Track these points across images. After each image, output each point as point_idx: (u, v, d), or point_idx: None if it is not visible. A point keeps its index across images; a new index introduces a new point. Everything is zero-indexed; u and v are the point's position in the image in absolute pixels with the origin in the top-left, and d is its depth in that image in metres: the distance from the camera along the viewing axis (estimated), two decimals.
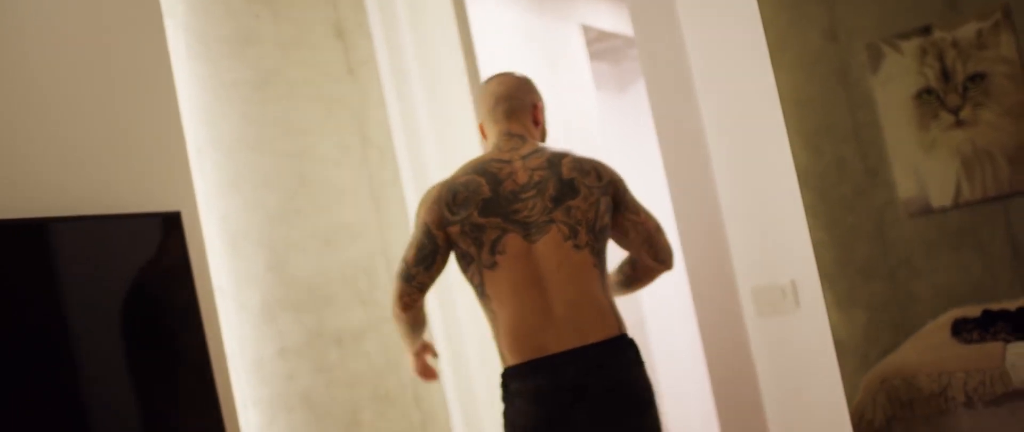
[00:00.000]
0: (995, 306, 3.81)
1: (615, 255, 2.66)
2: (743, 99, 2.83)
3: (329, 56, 3.64)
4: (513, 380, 2.45)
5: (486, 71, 4.22)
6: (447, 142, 3.69)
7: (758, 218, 2.81)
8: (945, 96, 4.27)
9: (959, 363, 3.41)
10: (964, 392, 3.34)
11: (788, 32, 4.51)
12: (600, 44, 5.50)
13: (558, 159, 2.53)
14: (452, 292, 3.62)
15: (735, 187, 2.83)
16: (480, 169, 2.52)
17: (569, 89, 4.78)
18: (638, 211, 2.61)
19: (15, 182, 2.30)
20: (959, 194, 4.26)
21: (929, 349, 3.75)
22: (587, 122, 4.83)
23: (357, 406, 3.34)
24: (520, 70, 2.79)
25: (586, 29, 5.09)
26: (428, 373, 2.76)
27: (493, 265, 2.45)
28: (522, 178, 2.50)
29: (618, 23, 5.31)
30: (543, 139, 2.70)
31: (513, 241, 2.45)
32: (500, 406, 2.52)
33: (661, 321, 5.49)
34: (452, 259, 2.54)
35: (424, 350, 2.74)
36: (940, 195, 4.31)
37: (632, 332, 2.67)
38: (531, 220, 2.46)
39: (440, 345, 3.65)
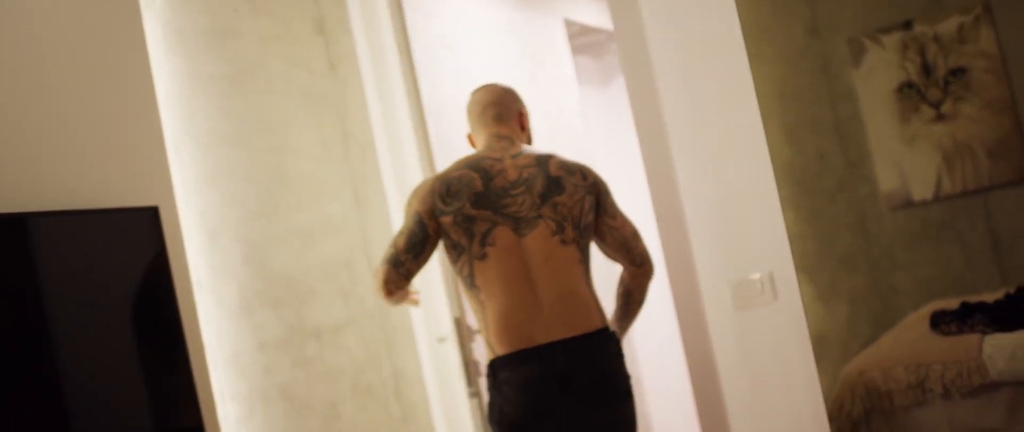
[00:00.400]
0: (973, 298, 3.83)
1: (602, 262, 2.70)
2: (721, 94, 2.85)
3: (309, 51, 3.63)
4: (502, 369, 2.53)
5: (468, 65, 4.23)
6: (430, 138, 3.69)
7: (735, 211, 2.83)
8: (926, 90, 4.29)
9: (937, 355, 3.44)
10: (942, 384, 3.36)
11: (770, 26, 4.52)
12: (583, 38, 5.51)
13: (545, 159, 2.64)
14: (433, 286, 3.63)
15: (712, 181, 2.85)
16: (473, 165, 2.62)
17: (552, 83, 4.78)
18: (616, 216, 2.71)
19: None
20: (940, 187, 4.29)
21: (907, 341, 3.78)
22: (570, 116, 4.84)
23: (337, 400, 3.35)
24: (503, 77, 2.85)
25: (569, 23, 5.10)
26: (412, 301, 2.82)
27: (483, 256, 2.53)
28: (512, 175, 2.60)
29: (600, 17, 5.32)
30: (528, 145, 2.80)
31: (503, 234, 2.54)
32: (486, 396, 2.61)
33: (642, 315, 5.50)
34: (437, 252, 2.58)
35: (406, 300, 2.79)
36: (921, 188, 4.33)
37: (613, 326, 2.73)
38: (520, 215, 2.56)
39: (420, 336, 3.66)
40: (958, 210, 4.27)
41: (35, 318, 2.23)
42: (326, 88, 3.66)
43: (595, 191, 2.67)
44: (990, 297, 3.82)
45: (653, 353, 5.55)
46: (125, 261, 2.50)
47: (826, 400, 3.39)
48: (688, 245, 2.88)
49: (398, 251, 2.56)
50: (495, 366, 2.55)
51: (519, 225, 2.56)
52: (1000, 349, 3.35)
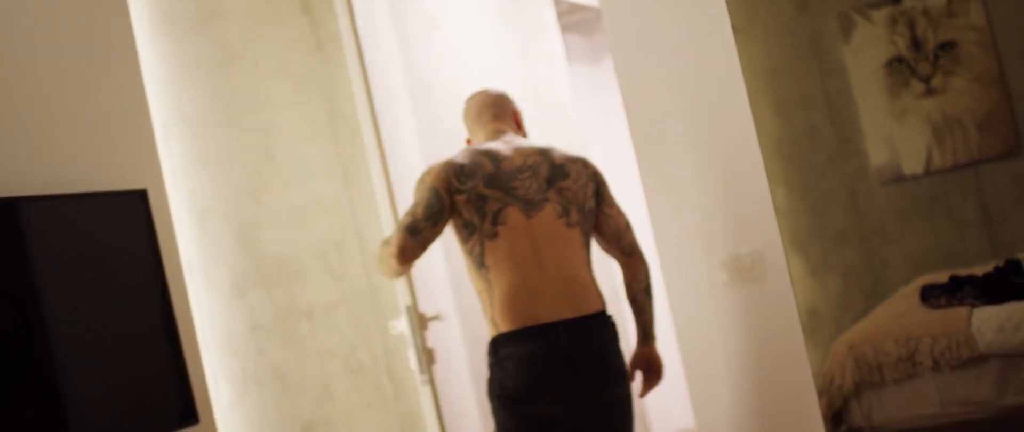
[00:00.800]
0: (964, 271, 3.85)
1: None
2: (709, 70, 2.86)
3: (296, 32, 3.62)
4: (506, 345, 2.58)
5: (456, 43, 4.21)
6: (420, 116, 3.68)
7: (724, 188, 2.84)
8: (916, 64, 4.30)
9: (926, 328, 3.45)
10: (931, 357, 3.38)
11: (758, 3, 4.52)
12: (572, 16, 5.48)
13: (548, 149, 2.74)
14: (433, 267, 3.63)
15: (701, 158, 2.86)
16: (481, 150, 2.70)
17: (541, 61, 4.77)
18: (612, 205, 2.79)
19: None
20: (930, 161, 4.30)
21: (897, 315, 3.79)
22: (559, 94, 4.82)
23: (329, 379, 3.36)
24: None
25: (558, 1, 5.07)
26: None
27: (494, 235, 2.61)
28: (518, 161, 2.68)
29: None
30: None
31: (513, 214, 2.63)
32: (486, 373, 2.64)
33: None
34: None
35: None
36: (912, 162, 4.35)
37: (610, 308, 2.77)
38: (529, 197, 2.65)
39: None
40: (949, 184, 4.29)
41: (25, 302, 2.22)
42: (313, 68, 3.65)
43: (595, 180, 2.76)
44: (981, 270, 3.83)
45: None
46: (115, 244, 2.49)
47: (817, 375, 3.41)
48: (677, 222, 2.90)
49: (417, 219, 2.58)
50: (497, 343, 2.61)
51: (528, 207, 2.64)
52: (988, 322, 3.36)
